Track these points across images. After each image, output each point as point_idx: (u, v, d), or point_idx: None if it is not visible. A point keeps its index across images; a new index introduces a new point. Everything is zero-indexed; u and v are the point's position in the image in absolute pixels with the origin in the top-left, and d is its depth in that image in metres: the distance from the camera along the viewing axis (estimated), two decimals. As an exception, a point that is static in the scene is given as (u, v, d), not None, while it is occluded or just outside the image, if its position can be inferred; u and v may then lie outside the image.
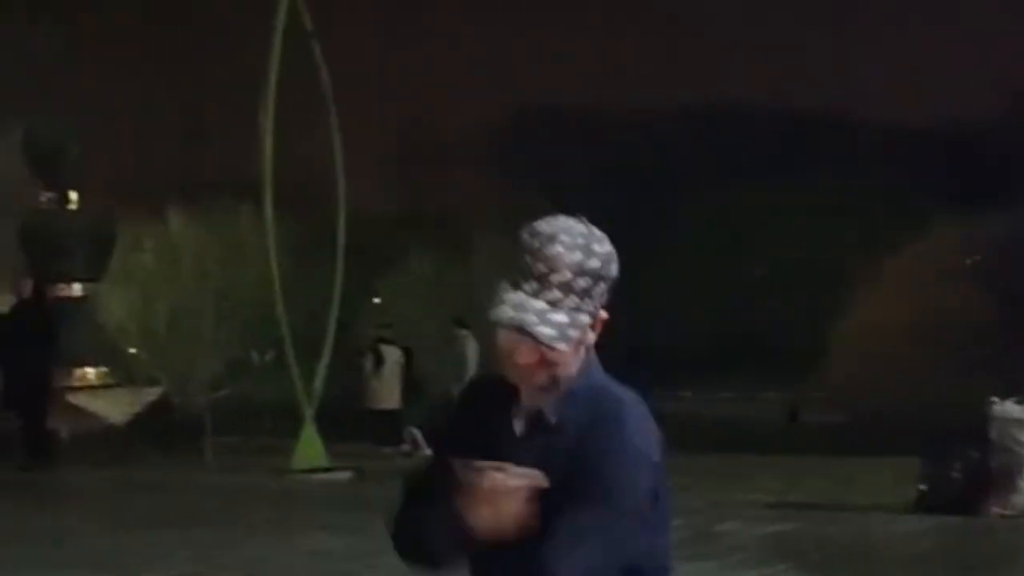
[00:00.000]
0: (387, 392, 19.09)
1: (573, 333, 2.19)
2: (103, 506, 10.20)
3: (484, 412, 2.37)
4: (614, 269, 2.26)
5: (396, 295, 24.85)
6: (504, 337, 2.21)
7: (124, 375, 22.97)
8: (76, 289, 22.56)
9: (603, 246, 2.24)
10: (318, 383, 14.40)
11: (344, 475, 14.62)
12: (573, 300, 2.19)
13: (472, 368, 18.65)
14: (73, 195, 22.99)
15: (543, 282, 2.18)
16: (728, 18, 38.59)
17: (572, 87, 36.72)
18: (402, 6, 35.87)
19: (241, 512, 9.93)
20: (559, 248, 2.20)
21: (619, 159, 36.47)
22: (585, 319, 2.21)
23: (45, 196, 23.21)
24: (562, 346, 2.17)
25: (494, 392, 2.37)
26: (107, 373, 22.02)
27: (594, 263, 2.21)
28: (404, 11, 35.90)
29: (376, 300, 25.04)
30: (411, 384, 19.42)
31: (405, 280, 25.19)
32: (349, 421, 17.20)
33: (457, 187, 37.90)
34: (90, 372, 21.65)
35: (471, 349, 18.89)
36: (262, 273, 15.74)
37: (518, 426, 2.32)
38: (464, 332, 18.95)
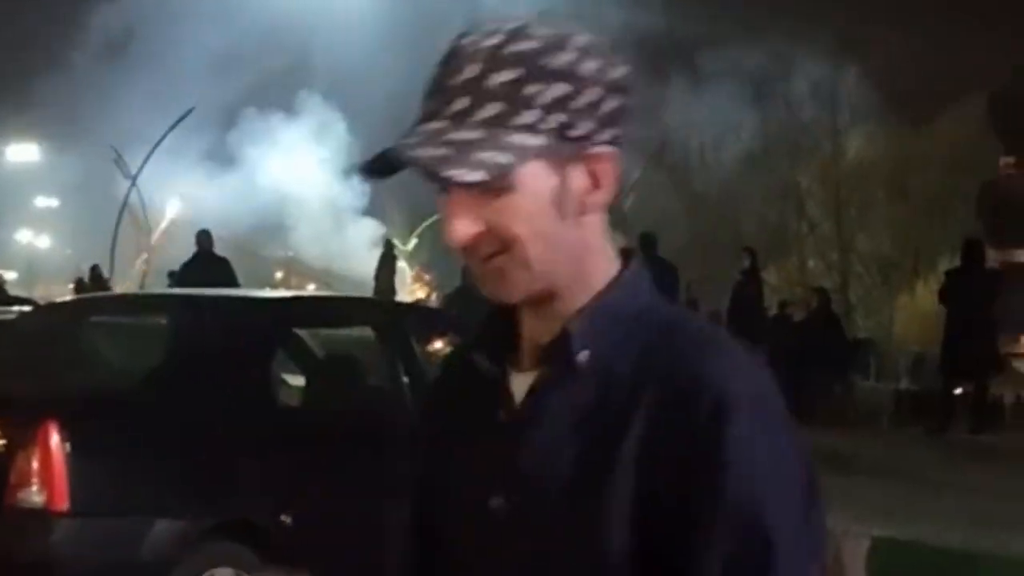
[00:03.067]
0: None
1: (495, 158, 1.30)
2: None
3: (466, 376, 1.47)
4: (591, 65, 1.34)
5: None
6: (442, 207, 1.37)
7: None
8: (1025, 255, 22.28)
9: (550, 28, 1.35)
10: None
11: None
12: (492, 108, 1.31)
13: None
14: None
15: (441, 94, 1.34)
16: None
17: None
18: None
19: None
20: (467, 39, 1.35)
21: None
22: (531, 141, 1.32)
23: (1004, 161, 23.13)
24: (462, 173, 1.28)
25: (484, 342, 1.46)
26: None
27: (525, 45, 1.33)
28: None
29: None
30: None
31: None
32: None
33: None
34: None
35: None
36: None
37: (517, 383, 1.41)
38: None
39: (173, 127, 27.63)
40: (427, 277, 42.46)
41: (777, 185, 37.44)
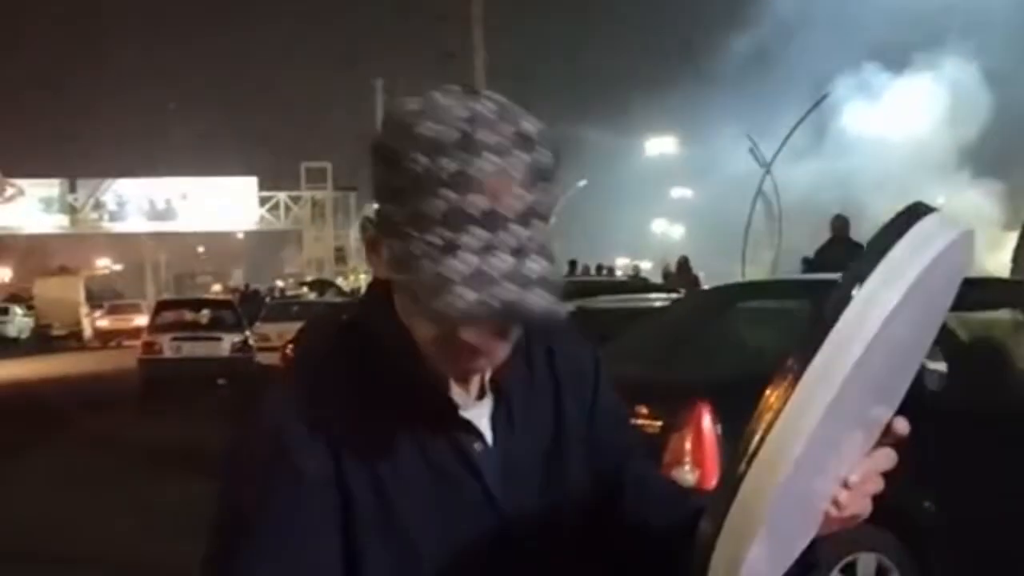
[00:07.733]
0: None
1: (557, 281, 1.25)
2: None
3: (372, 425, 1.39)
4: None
5: None
6: (468, 334, 1.30)
7: None
8: None
9: (534, 121, 1.27)
10: None
11: None
12: (539, 228, 1.25)
13: None
14: None
15: (493, 223, 1.21)
16: None
17: None
18: None
19: None
20: (498, 157, 1.23)
21: None
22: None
23: None
24: (561, 311, 1.25)
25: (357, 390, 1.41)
26: None
27: (545, 158, 1.25)
28: None
29: None
30: None
31: None
32: None
33: None
34: None
35: None
36: None
37: (479, 421, 1.44)
38: None
39: (810, 112, 28.21)
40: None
41: None
